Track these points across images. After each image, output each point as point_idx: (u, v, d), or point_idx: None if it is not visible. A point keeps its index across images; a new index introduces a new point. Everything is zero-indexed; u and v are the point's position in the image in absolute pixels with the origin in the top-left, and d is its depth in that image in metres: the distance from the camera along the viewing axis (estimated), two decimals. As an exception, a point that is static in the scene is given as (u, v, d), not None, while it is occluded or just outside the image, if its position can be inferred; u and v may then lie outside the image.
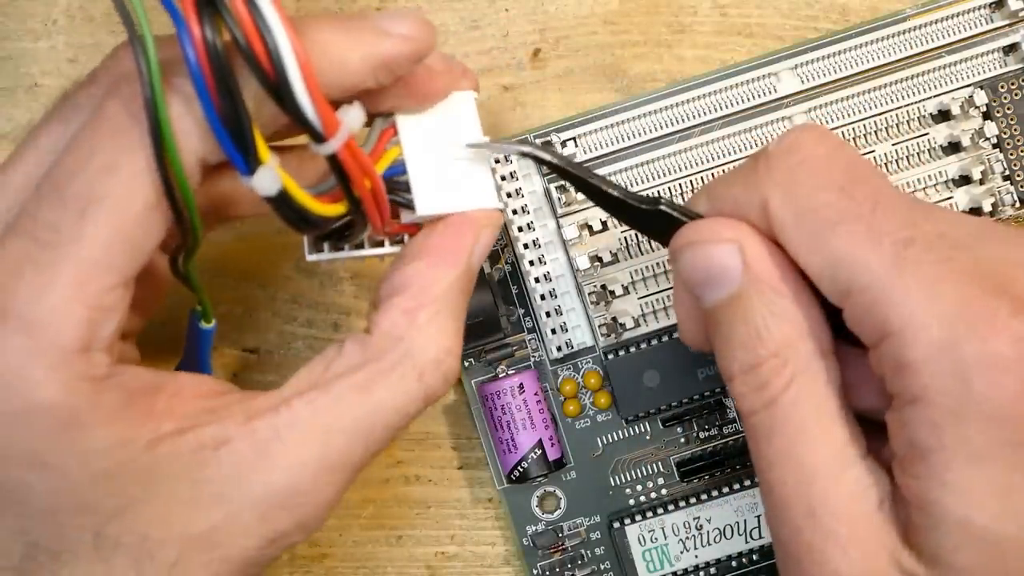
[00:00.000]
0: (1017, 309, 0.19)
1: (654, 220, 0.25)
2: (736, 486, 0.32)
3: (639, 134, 0.32)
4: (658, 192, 0.32)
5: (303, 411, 0.23)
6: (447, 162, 0.26)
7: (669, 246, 0.24)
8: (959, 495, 0.20)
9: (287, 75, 0.20)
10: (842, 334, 0.22)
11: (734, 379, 0.23)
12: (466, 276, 0.25)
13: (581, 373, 0.33)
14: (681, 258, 0.24)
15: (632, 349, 0.32)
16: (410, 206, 0.26)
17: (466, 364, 0.33)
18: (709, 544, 0.32)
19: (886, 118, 0.33)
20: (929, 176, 0.33)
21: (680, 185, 0.32)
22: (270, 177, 0.21)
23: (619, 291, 0.32)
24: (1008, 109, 0.33)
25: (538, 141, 0.32)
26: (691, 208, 0.25)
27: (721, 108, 0.32)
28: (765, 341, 0.22)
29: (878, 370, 0.21)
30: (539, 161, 0.25)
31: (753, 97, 0.33)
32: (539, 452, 0.32)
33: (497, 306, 0.31)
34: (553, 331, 0.32)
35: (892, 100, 0.33)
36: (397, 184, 0.25)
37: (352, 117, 0.22)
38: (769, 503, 0.22)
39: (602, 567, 0.33)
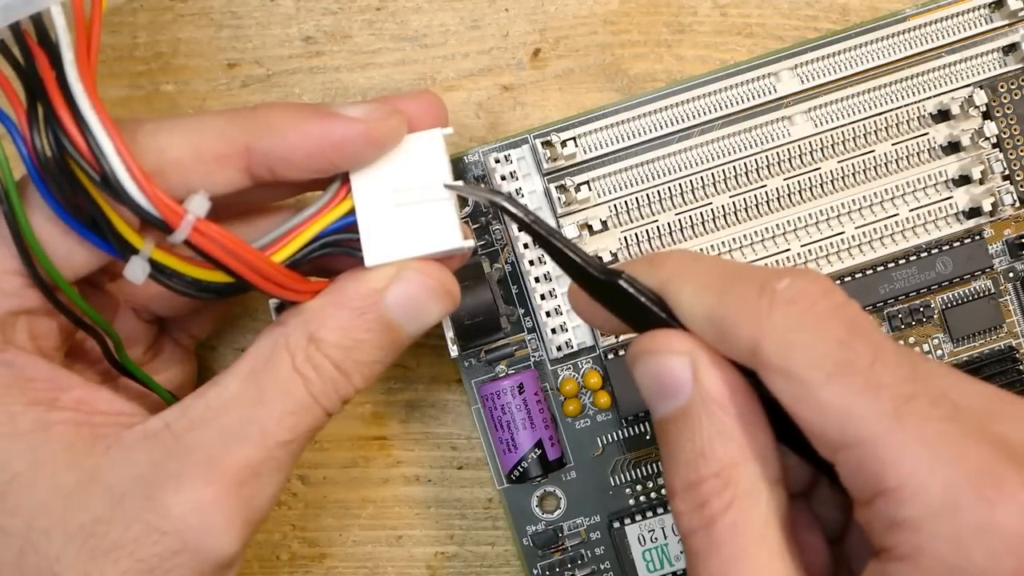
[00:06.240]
0: None
1: (613, 293, 0.23)
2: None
3: (639, 134, 0.32)
4: (658, 192, 0.32)
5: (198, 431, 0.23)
6: (405, 209, 0.25)
7: (628, 352, 0.23)
8: None
9: (115, 173, 0.22)
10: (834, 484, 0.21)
11: (675, 495, 0.21)
12: (367, 325, 0.25)
13: (581, 373, 0.33)
14: (636, 365, 0.23)
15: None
16: (362, 259, 0.25)
17: (466, 364, 0.33)
18: (709, 544, 0.32)
19: (886, 118, 0.33)
20: (929, 176, 0.33)
21: (680, 185, 0.32)
22: (137, 266, 0.23)
23: (619, 291, 0.32)
24: (1008, 109, 0.33)
25: (538, 141, 0.32)
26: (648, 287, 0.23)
27: (721, 108, 0.32)
28: (708, 459, 0.21)
29: (866, 523, 0.20)
30: (505, 212, 0.24)
31: (753, 97, 0.33)
32: (539, 452, 0.32)
33: (497, 306, 0.31)
34: (553, 331, 0.32)
35: (892, 100, 0.33)
36: (349, 239, 0.25)
37: (195, 205, 0.23)
38: None
39: (602, 567, 0.33)
